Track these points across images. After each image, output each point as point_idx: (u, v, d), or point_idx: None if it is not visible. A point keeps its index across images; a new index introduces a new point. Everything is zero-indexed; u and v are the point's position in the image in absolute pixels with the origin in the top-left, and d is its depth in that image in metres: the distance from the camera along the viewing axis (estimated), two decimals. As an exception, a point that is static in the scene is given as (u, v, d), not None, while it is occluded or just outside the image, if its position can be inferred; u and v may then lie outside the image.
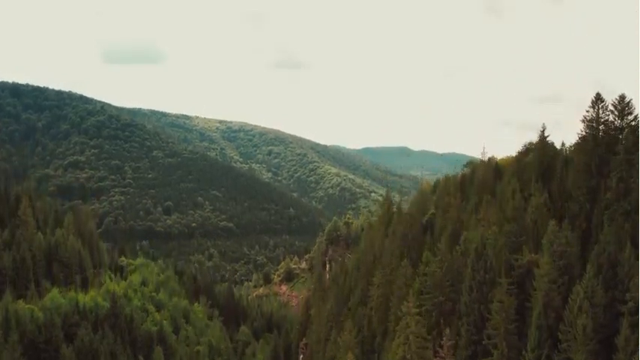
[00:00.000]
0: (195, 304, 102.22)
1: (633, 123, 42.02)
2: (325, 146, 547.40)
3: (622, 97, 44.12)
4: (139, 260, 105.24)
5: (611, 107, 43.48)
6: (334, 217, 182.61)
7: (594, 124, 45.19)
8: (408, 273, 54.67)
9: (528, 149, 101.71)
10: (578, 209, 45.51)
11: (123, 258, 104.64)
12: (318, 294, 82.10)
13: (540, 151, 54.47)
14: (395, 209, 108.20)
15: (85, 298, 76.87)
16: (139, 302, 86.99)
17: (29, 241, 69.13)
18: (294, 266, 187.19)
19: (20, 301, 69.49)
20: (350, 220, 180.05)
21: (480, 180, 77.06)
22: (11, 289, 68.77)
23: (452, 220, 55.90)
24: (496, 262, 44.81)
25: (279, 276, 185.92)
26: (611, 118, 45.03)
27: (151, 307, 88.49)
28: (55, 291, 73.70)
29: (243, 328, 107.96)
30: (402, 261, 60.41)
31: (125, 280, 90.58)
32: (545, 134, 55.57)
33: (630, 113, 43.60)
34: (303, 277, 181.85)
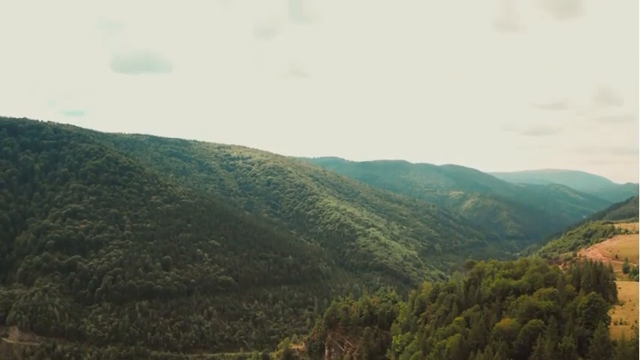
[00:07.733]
0: None
1: None
2: (324, 172, 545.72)
3: None
4: None
5: None
6: (333, 301, 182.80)
7: None
8: None
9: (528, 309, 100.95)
10: None
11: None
12: None
13: None
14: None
15: None
16: None
17: None
18: (293, 347, 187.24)
19: None
20: (349, 304, 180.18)
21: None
22: None
23: None
24: None
25: (278, 356, 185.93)
26: None
27: None
28: None
29: None
30: None
31: None
32: None
33: None
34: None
